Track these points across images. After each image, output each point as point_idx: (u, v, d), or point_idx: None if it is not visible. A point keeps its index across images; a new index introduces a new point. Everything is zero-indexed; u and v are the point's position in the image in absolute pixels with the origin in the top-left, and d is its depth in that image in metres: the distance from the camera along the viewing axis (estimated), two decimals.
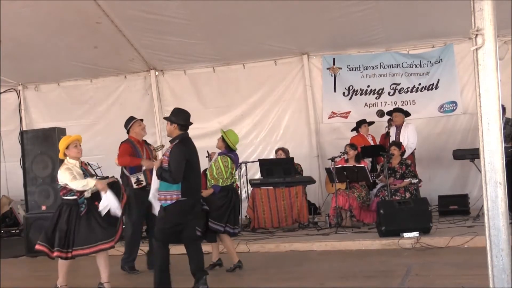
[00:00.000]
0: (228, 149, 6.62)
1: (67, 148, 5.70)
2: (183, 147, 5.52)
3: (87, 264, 7.82)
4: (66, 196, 5.67)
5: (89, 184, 5.60)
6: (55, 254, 5.60)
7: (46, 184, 8.79)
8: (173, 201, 5.37)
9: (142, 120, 7.21)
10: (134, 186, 6.78)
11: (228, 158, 6.58)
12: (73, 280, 6.33)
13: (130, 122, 7.09)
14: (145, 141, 7.24)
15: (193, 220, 5.65)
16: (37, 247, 5.72)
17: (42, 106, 12.08)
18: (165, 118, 5.71)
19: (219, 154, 6.69)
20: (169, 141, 5.65)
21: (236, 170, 6.82)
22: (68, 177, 5.58)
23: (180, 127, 5.59)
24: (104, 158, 10.17)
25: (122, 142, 7.02)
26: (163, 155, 5.59)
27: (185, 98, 11.46)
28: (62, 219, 5.61)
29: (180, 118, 5.63)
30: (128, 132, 7.08)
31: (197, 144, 11.01)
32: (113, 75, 11.60)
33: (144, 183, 6.78)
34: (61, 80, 11.83)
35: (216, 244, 6.78)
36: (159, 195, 5.51)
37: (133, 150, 6.88)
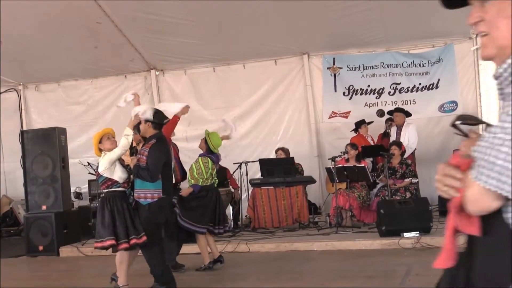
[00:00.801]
0: (209, 151, 6.72)
1: (100, 142, 5.57)
2: (162, 146, 5.55)
3: (89, 264, 7.84)
4: (112, 187, 5.48)
5: (126, 132, 5.44)
6: (123, 245, 5.38)
7: (46, 184, 8.80)
8: (154, 200, 5.38)
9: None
10: None
11: (209, 159, 6.67)
12: (74, 280, 6.34)
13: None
14: (171, 141, 7.26)
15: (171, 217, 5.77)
16: (103, 244, 5.39)
17: (43, 106, 12.08)
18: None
19: (201, 155, 6.78)
20: (145, 140, 5.62)
21: (215, 170, 6.85)
22: (111, 155, 5.40)
23: (155, 126, 5.58)
24: None
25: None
26: (139, 154, 5.54)
27: (185, 98, 11.43)
28: (117, 211, 5.40)
29: (156, 116, 5.60)
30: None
31: (195, 144, 11.02)
32: (113, 75, 11.60)
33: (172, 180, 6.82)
34: (62, 80, 11.83)
35: (212, 241, 6.77)
36: (137, 193, 5.45)
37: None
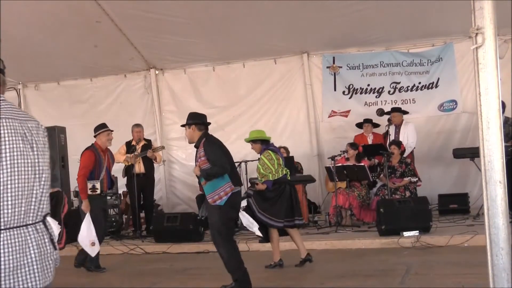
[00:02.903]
0: (265, 145, 6.62)
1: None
2: (213, 139, 5.52)
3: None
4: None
5: None
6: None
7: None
8: (228, 195, 5.31)
9: (112, 131, 7.35)
10: (89, 192, 6.89)
11: (270, 152, 6.58)
12: (74, 280, 6.34)
13: (100, 129, 7.26)
14: (108, 149, 7.35)
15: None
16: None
17: (42, 105, 12.07)
18: (183, 125, 5.66)
19: (260, 153, 6.67)
20: (194, 145, 5.55)
21: (282, 160, 6.71)
22: None
23: (199, 128, 5.52)
24: None
25: (86, 149, 7.18)
26: (197, 160, 5.44)
27: (185, 97, 11.47)
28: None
29: (197, 118, 5.60)
30: (95, 137, 7.25)
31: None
32: (113, 74, 11.59)
33: (98, 191, 6.94)
34: (61, 79, 11.83)
35: (298, 237, 6.69)
36: (210, 198, 5.34)
37: (96, 158, 7.04)
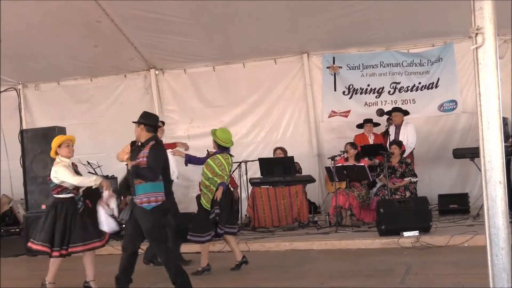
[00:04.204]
0: (222, 148, 6.54)
1: (59, 147, 5.78)
2: (161, 148, 5.52)
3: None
4: (61, 194, 5.76)
5: (96, 180, 5.68)
6: (55, 253, 5.69)
7: (46, 183, 8.74)
8: (158, 203, 5.26)
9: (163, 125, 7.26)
10: None
11: (229, 155, 6.55)
12: (72, 279, 6.33)
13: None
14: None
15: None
16: (36, 247, 5.77)
17: (42, 105, 12.07)
18: (134, 122, 5.59)
19: (215, 153, 6.61)
20: (141, 143, 5.51)
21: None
22: (69, 174, 5.66)
23: (148, 129, 5.50)
24: (105, 157, 10.19)
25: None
26: (138, 158, 5.40)
27: (185, 97, 11.46)
28: (59, 218, 5.69)
29: (149, 120, 5.56)
30: None
31: (197, 143, 11.03)
32: (113, 74, 11.59)
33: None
34: (61, 79, 11.82)
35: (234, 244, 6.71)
36: (139, 199, 5.29)
37: None
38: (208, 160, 6.56)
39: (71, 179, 5.65)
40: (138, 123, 5.48)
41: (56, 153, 5.80)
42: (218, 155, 6.51)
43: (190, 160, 6.82)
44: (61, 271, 6.00)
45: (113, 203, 5.61)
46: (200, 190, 6.70)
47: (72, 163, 5.93)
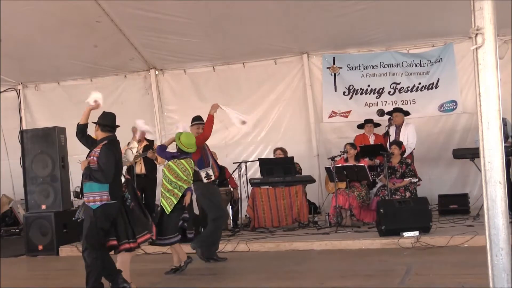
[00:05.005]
0: (181, 151, 6.57)
1: None
2: (113, 148, 5.48)
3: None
4: None
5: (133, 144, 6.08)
6: (124, 246, 5.50)
7: (46, 183, 8.80)
8: (103, 202, 5.24)
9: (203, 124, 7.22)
10: (204, 180, 6.91)
11: (191, 160, 6.56)
12: (73, 280, 6.34)
13: (192, 121, 7.25)
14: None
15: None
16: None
17: (42, 105, 12.07)
18: (93, 122, 5.61)
19: (181, 157, 6.58)
20: (97, 141, 5.53)
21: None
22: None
23: (102, 128, 5.51)
24: None
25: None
26: (89, 156, 5.42)
27: (185, 98, 11.46)
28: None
29: (103, 119, 5.57)
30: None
31: None
32: (113, 74, 11.59)
33: (213, 177, 6.98)
34: (61, 79, 11.83)
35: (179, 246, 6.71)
36: (86, 197, 5.32)
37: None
38: (170, 163, 6.54)
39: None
40: (94, 123, 5.54)
41: None
42: (181, 160, 6.50)
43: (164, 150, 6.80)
44: (61, 271, 6.00)
45: None
46: (161, 193, 6.62)
47: None
